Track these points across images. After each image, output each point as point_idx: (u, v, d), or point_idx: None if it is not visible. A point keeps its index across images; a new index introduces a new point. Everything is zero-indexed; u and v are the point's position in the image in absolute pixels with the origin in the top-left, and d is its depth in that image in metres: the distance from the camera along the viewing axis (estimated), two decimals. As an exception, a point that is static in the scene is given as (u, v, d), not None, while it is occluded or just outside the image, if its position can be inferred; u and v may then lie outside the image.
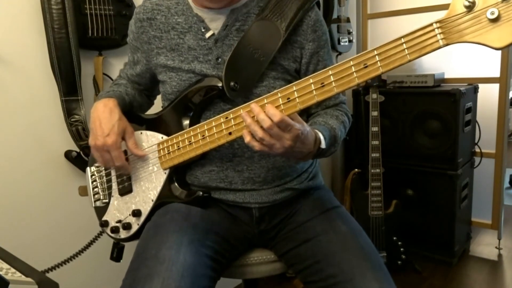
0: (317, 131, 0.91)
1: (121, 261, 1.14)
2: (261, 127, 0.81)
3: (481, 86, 2.35)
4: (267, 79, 0.98)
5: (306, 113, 1.08)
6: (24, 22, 1.34)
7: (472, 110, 2.28)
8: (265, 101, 0.84)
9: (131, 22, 1.09)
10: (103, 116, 0.99)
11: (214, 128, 0.91)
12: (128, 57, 1.15)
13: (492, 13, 0.66)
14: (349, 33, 2.55)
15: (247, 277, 1.07)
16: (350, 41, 2.55)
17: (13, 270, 0.66)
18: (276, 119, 0.79)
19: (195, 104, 0.99)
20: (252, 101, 0.86)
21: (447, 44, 0.71)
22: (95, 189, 1.13)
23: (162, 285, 0.77)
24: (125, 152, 1.04)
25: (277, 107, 0.83)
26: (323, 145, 0.91)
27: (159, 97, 1.13)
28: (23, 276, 0.64)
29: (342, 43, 2.48)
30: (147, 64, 1.09)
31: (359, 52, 0.79)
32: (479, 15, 0.68)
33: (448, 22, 0.70)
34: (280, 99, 0.83)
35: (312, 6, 1.00)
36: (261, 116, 0.80)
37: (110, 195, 1.11)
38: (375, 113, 2.08)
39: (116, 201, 1.10)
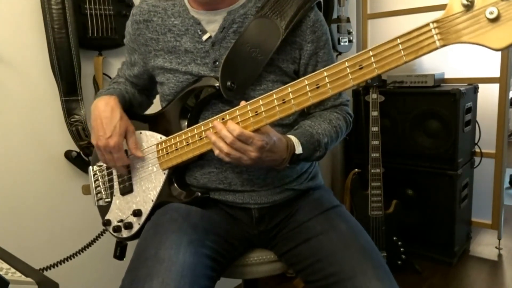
0: (291, 137, 0.92)
1: (124, 259, 1.14)
2: (225, 142, 0.84)
3: (481, 86, 2.35)
4: (265, 82, 0.97)
5: (305, 112, 1.08)
6: (24, 22, 1.34)
7: (472, 110, 2.28)
8: (261, 102, 0.84)
9: (127, 23, 1.08)
10: (104, 116, 0.99)
11: (211, 129, 0.91)
12: (126, 58, 1.15)
13: (491, 13, 0.63)
14: (349, 33, 2.55)
15: (247, 277, 1.07)
16: (350, 41, 2.55)
17: (13, 270, 0.66)
18: (235, 133, 0.83)
19: (192, 105, 0.99)
20: (219, 115, 0.89)
21: (444, 45, 0.68)
22: (98, 188, 1.14)
23: (161, 285, 0.77)
24: (126, 151, 1.04)
25: (272, 108, 0.83)
26: (298, 151, 0.91)
27: (158, 97, 1.13)
28: (23, 276, 0.64)
29: (342, 43, 2.48)
30: (144, 66, 1.09)
31: (359, 52, 0.77)
32: (477, 15, 0.65)
33: (446, 22, 0.67)
34: (275, 100, 0.83)
35: (312, 6, 0.98)
36: (223, 132, 0.84)
37: (112, 194, 1.11)
38: (375, 113, 2.08)
39: (118, 200, 1.10)
